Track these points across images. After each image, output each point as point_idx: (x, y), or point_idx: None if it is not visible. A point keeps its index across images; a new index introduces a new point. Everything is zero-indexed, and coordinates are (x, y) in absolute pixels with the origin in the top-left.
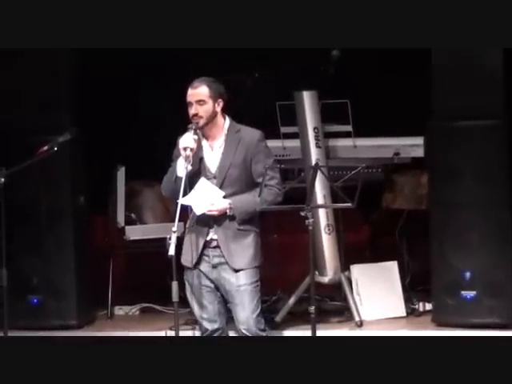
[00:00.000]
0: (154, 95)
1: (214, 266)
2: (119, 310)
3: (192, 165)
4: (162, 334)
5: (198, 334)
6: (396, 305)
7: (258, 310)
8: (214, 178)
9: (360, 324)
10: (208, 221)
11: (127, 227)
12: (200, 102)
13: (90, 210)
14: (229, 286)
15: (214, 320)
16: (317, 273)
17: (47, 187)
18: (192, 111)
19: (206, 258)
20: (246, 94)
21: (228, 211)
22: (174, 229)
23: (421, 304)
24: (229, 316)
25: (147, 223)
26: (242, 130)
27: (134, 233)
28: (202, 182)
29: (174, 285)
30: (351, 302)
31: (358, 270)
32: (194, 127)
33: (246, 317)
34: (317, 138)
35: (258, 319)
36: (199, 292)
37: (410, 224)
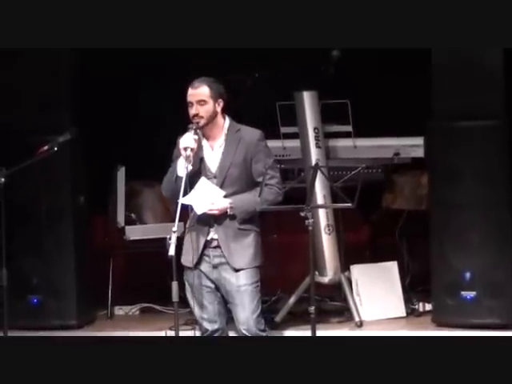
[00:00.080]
0: (153, 95)
1: (215, 266)
2: (119, 310)
3: (192, 165)
4: (161, 334)
5: (198, 334)
6: (396, 305)
7: (258, 311)
8: (215, 177)
9: (360, 324)
10: (208, 220)
11: (127, 227)
12: (201, 102)
13: (90, 210)
14: (229, 287)
15: (214, 320)
16: (317, 273)
17: (47, 187)
18: (193, 111)
19: (207, 258)
20: (245, 93)
21: (229, 210)
22: (174, 229)
23: (421, 304)
24: (229, 316)
25: (147, 223)
26: (242, 130)
27: (134, 233)
28: (203, 182)
29: (174, 285)
30: (351, 302)
31: (357, 271)
32: (194, 127)
33: (246, 317)
34: (317, 138)
35: (258, 320)
36: (199, 292)
37: (409, 224)
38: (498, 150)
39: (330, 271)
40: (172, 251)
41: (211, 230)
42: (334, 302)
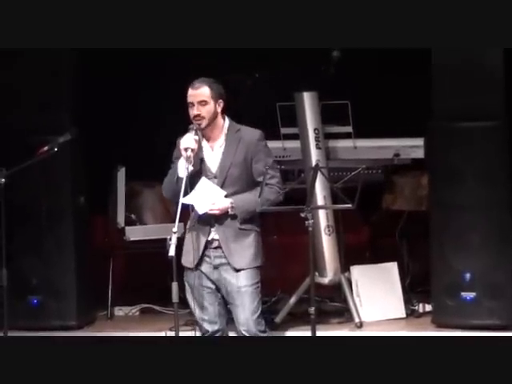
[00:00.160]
0: (154, 95)
1: (215, 267)
2: (119, 311)
3: (193, 165)
4: (161, 334)
5: (198, 335)
6: (396, 306)
7: (259, 312)
8: (215, 177)
9: (360, 325)
10: (209, 220)
11: (127, 228)
12: (202, 102)
13: (90, 210)
14: (230, 287)
15: (215, 321)
16: (317, 274)
17: (47, 187)
18: (194, 112)
19: (207, 259)
20: (245, 94)
21: (230, 210)
22: (175, 229)
23: (421, 305)
24: (229, 317)
25: (147, 224)
26: (242, 130)
27: (134, 233)
28: (203, 182)
29: (174, 286)
30: (351, 303)
31: (357, 271)
32: (195, 128)
33: (246, 318)
34: (317, 139)
35: (258, 321)
36: (200, 293)
37: (410, 225)
38: (498, 150)
39: (330, 272)
40: (172, 252)
41: (212, 229)
42: (334, 302)
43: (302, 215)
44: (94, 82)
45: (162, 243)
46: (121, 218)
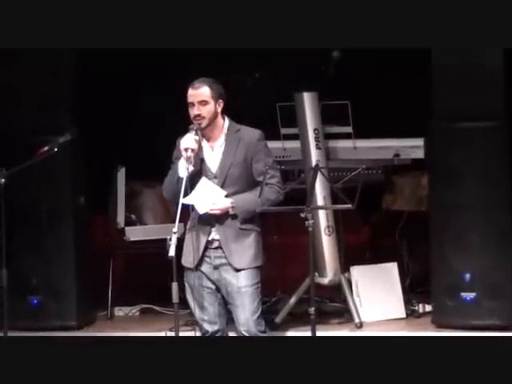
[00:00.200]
0: (154, 95)
1: (216, 267)
2: (119, 311)
3: (193, 165)
4: (161, 334)
5: (198, 335)
6: (396, 306)
7: (259, 312)
8: (215, 177)
9: (360, 325)
10: (210, 220)
11: (127, 228)
12: (202, 102)
13: (90, 211)
14: (230, 288)
15: (215, 322)
16: (317, 274)
17: (47, 187)
18: (194, 112)
19: (208, 259)
20: (245, 94)
21: (230, 210)
22: (175, 230)
23: (420, 305)
24: (229, 317)
25: (147, 224)
26: (242, 130)
27: (134, 233)
28: (204, 182)
29: (174, 286)
30: (351, 303)
31: (357, 272)
32: (195, 128)
33: (246, 318)
34: (317, 140)
35: (258, 321)
36: (200, 293)
37: (410, 225)
38: (498, 150)
39: (329, 272)
40: (172, 252)
41: (212, 229)
42: (334, 303)
43: (302, 215)
44: (94, 81)
45: (162, 243)
46: (121, 218)
